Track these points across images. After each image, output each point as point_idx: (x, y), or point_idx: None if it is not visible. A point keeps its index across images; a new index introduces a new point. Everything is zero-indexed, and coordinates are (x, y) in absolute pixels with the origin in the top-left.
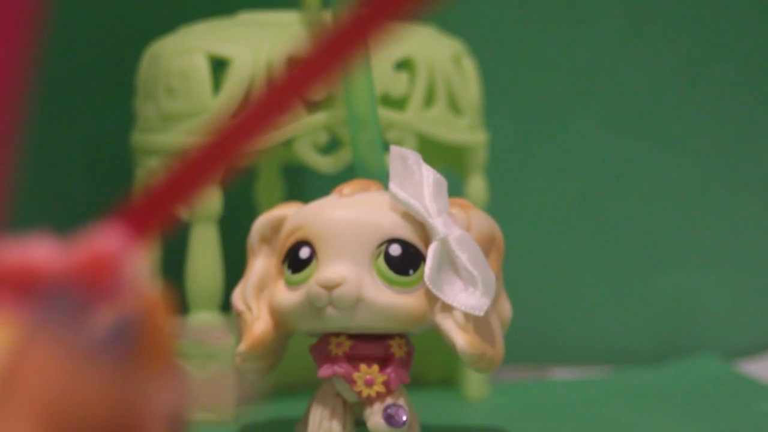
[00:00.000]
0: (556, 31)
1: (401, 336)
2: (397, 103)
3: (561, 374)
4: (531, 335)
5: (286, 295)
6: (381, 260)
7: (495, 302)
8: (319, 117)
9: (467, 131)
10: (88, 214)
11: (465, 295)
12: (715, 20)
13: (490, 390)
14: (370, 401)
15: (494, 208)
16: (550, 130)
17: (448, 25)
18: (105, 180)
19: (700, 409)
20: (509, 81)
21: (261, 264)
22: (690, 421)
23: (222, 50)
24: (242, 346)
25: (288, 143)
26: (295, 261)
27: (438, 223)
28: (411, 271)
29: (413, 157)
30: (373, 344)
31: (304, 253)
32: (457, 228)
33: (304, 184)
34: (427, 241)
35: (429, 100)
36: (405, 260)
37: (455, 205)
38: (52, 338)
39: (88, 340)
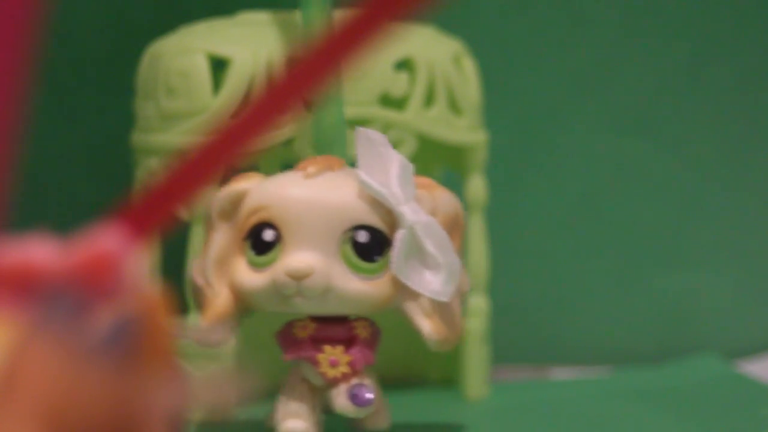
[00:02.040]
0: (556, 31)
1: (365, 318)
2: (397, 103)
3: (561, 374)
4: (531, 335)
5: (250, 276)
6: (348, 247)
7: None
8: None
9: (467, 131)
10: (88, 214)
11: (431, 282)
12: (715, 21)
13: (490, 390)
14: (335, 382)
15: (494, 208)
16: (550, 130)
17: (448, 25)
18: (105, 180)
19: (700, 410)
20: (509, 81)
21: (220, 238)
22: (690, 421)
23: (222, 50)
24: (202, 323)
25: (288, 143)
26: (259, 242)
27: (406, 210)
28: (377, 258)
29: (380, 140)
30: (338, 326)
31: (268, 235)
32: (423, 214)
33: None
34: (392, 226)
35: (429, 100)
36: (371, 247)
37: (420, 187)
38: (52, 338)
39: (88, 340)
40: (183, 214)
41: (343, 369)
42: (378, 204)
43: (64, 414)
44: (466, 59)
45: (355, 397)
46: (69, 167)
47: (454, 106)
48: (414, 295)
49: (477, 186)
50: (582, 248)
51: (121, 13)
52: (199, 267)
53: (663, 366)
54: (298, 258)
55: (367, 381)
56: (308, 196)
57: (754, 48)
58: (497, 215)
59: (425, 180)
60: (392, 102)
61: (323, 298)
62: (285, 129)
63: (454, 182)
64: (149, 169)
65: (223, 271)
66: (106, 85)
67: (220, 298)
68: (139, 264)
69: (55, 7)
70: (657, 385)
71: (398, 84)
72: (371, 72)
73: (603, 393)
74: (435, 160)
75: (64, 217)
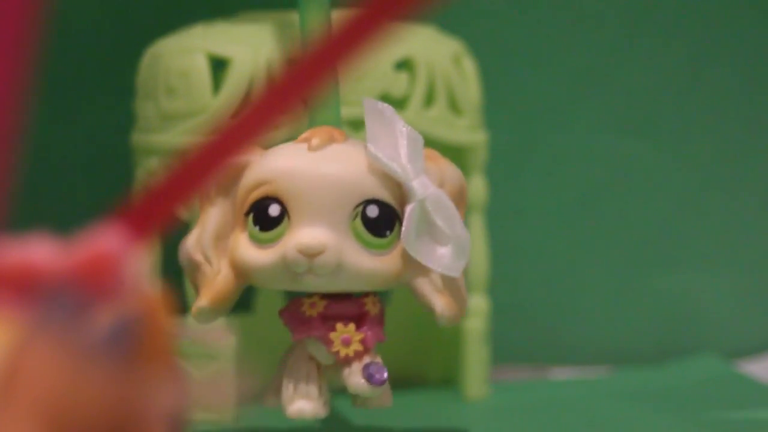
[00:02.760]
0: (556, 31)
1: (375, 293)
2: (397, 103)
3: (561, 374)
4: (531, 335)
5: (255, 253)
6: (358, 222)
7: None
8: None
9: (467, 131)
10: (88, 214)
11: (443, 257)
12: (715, 21)
13: (490, 390)
14: (348, 361)
15: (494, 208)
16: (550, 130)
17: (448, 25)
18: (105, 180)
19: (700, 410)
20: (509, 81)
21: (218, 213)
22: (690, 421)
23: (222, 50)
24: (203, 302)
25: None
26: (264, 218)
27: (416, 185)
28: (387, 233)
29: (389, 112)
30: (348, 303)
31: (274, 210)
32: (432, 187)
33: None
34: (401, 200)
35: (429, 100)
36: (382, 222)
37: (427, 159)
38: (52, 338)
39: (88, 341)
40: (183, 214)
41: (356, 347)
42: (387, 177)
43: (64, 414)
44: (466, 59)
45: (371, 377)
46: (69, 167)
47: (454, 106)
48: (424, 271)
49: (477, 186)
50: (582, 248)
51: (121, 13)
52: (196, 243)
53: (663, 366)
54: (309, 234)
55: (378, 359)
56: (316, 169)
57: (754, 48)
58: (497, 215)
59: (431, 152)
60: (392, 102)
61: (335, 276)
62: (285, 129)
63: None
64: (149, 170)
65: (222, 247)
66: (106, 85)
67: (220, 277)
68: (139, 264)
69: (55, 7)
70: (657, 385)
71: (398, 84)
72: (371, 72)
73: (603, 393)
74: None
75: (64, 217)
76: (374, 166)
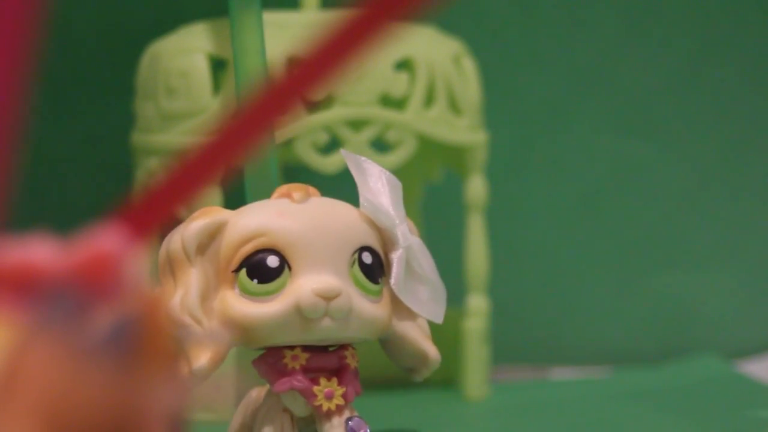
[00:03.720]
0: (556, 31)
1: (353, 347)
2: (397, 104)
3: (561, 374)
4: (531, 335)
5: (254, 307)
6: (357, 268)
7: None
8: (319, 117)
9: (467, 131)
10: (88, 214)
11: (427, 304)
12: (715, 21)
13: (490, 390)
14: (329, 415)
15: (494, 208)
16: (550, 130)
17: (448, 25)
18: (105, 180)
19: (700, 410)
20: (509, 81)
21: (199, 274)
22: (690, 421)
23: (222, 50)
24: (203, 363)
25: (288, 143)
26: (262, 270)
27: (401, 231)
28: (379, 280)
29: (366, 163)
30: (329, 356)
31: (273, 261)
32: (412, 235)
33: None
34: (384, 248)
35: (429, 100)
36: (375, 268)
37: None
38: (52, 339)
39: (88, 341)
40: (183, 214)
41: (338, 401)
42: (373, 225)
43: (64, 414)
44: (466, 59)
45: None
46: (69, 167)
47: (454, 106)
48: (411, 317)
49: (477, 186)
50: (582, 248)
51: (121, 13)
52: (181, 305)
53: (663, 366)
54: (322, 279)
55: (356, 412)
56: (313, 218)
57: (754, 48)
58: (497, 215)
59: None
60: (392, 102)
61: (347, 321)
62: (285, 129)
63: (454, 182)
64: (149, 170)
65: (207, 308)
66: (106, 86)
67: (214, 336)
68: (139, 264)
69: (55, 7)
70: (657, 386)
71: (398, 84)
72: (371, 72)
73: (603, 393)
74: (435, 161)
75: (64, 217)
76: (361, 214)
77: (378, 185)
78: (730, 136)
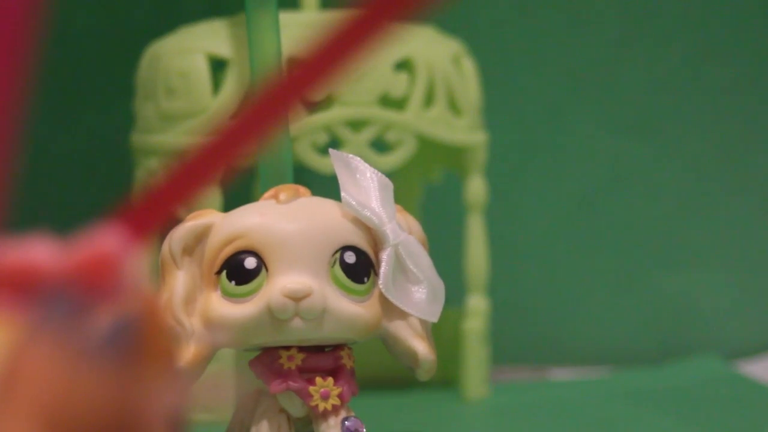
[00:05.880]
0: (556, 32)
1: (349, 347)
2: (397, 104)
3: (561, 375)
4: (531, 335)
5: (231, 308)
6: (337, 268)
7: None
8: (319, 117)
9: (467, 132)
10: (88, 214)
11: (419, 302)
12: (713, 22)
13: (490, 390)
14: (325, 415)
15: (494, 208)
16: (550, 131)
17: (448, 25)
18: (105, 180)
19: (700, 410)
20: (509, 81)
21: (184, 276)
22: (690, 422)
23: (222, 50)
24: (181, 363)
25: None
26: (240, 271)
27: (389, 230)
28: (365, 279)
29: (356, 162)
30: (325, 356)
31: (250, 263)
32: (403, 233)
33: (303, 185)
34: (374, 247)
35: (428, 100)
36: (359, 268)
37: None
38: (52, 339)
39: (87, 341)
40: (182, 214)
41: (334, 401)
42: (361, 225)
43: (64, 414)
44: (466, 59)
45: (349, 431)
46: (69, 167)
47: (453, 107)
48: (402, 316)
49: (477, 186)
50: (582, 248)
51: (120, 13)
52: (165, 307)
53: (663, 366)
54: (293, 279)
55: (353, 413)
56: (291, 219)
57: (753, 49)
58: (497, 215)
59: (395, 205)
60: (392, 102)
61: (320, 321)
62: (285, 129)
63: (454, 183)
64: (149, 170)
65: (191, 310)
66: (106, 86)
67: (194, 337)
68: (139, 264)
69: (55, 8)
70: (657, 386)
71: (398, 84)
72: (371, 72)
73: (603, 393)
74: (435, 161)
75: (64, 217)
76: (347, 214)
77: (367, 184)
78: (729, 136)
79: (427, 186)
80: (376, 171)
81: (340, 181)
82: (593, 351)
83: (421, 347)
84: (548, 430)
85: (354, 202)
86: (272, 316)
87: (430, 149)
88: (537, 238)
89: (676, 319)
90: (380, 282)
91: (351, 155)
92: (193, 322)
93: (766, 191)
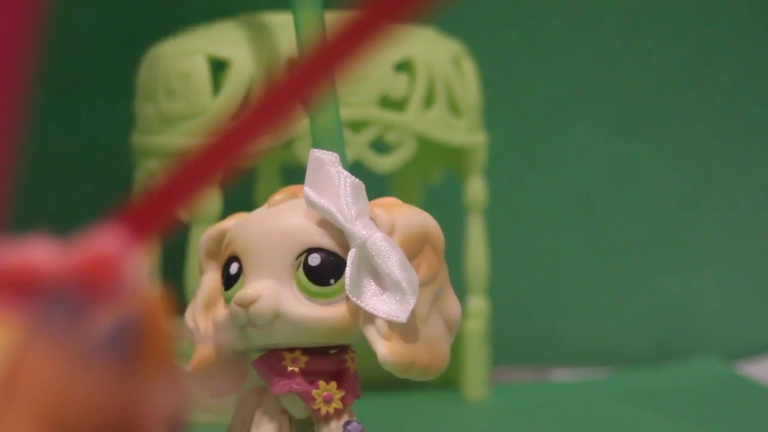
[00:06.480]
0: (556, 32)
1: (352, 349)
2: (397, 105)
3: (561, 375)
4: (531, 336)
5: (222, 313)
6: (300, 271)
7: (438, 303)
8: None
9: (467, 132)
10: (88, 214)
11: (385, 302)
12: (713, 23)
13: (490, 391)
14: (327, 419)
15: (494, 208)
16: (550, 131)
17: (448, 26)
18: (105, 181)
19: (700, 411)
20: (509, 82)
21: (209, 280)
22: (690, 422)
23: (222, 52)
24: (188, 367)
25: (288, 144)
26: (227, 277)
27: (355, 228)
28: (332, 281)
29: (330, 160)
30: (329, 359)
31: (233, 268)
32: (377, 231)
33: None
34: (347, 248)
35: (428, 101)
36: (325, 270)
37: (379, 206)
38: (52, 340)
39: (87, 342)
40: (183, 215)
41: (336, 405)
42: (331, 226)
43: (64, 415)
44: (466, 60)
45: None
46: (69, 167)
47: (453, 108)
48: (371, 317)
49: (477, 187)
50: (582, 249)
51: (121, 15)
52: (190, 310)
53: (663, 367)
54: (250, 286)
55: (354, 417)
56: (261, 223)
57: (752, 50)
58: (497, 215)
59: (390, 199)
60: (392, 103)
61: (273, 326)
62: (285, 130)
63: (454, 183)
64: (149, 171)
65: (211, 314)
66: (107, 87)
67: (203, 342)
68: (139, 265)
69: (56, 8)
70: (657, 387)
71: (398, 85)
72: (371, 73)
73: (603, 394)
74: (435, 162)
75: (64, 218)
76: (317, 215)
77: (337, 182)
78: (729, 137)
79: (427, 187)
80: (347, 172)
81: (306, 180)
82: (593, 352)
83: (383, 349)
84: (548, 430)
85: (315, 199)
86: (234, 322)
87: (430, 150)
88: (537, 239)
89: (676, 319)
90: (345, 284)
91: (328, 153)
92: (207, 326)
93: (766, 191)
